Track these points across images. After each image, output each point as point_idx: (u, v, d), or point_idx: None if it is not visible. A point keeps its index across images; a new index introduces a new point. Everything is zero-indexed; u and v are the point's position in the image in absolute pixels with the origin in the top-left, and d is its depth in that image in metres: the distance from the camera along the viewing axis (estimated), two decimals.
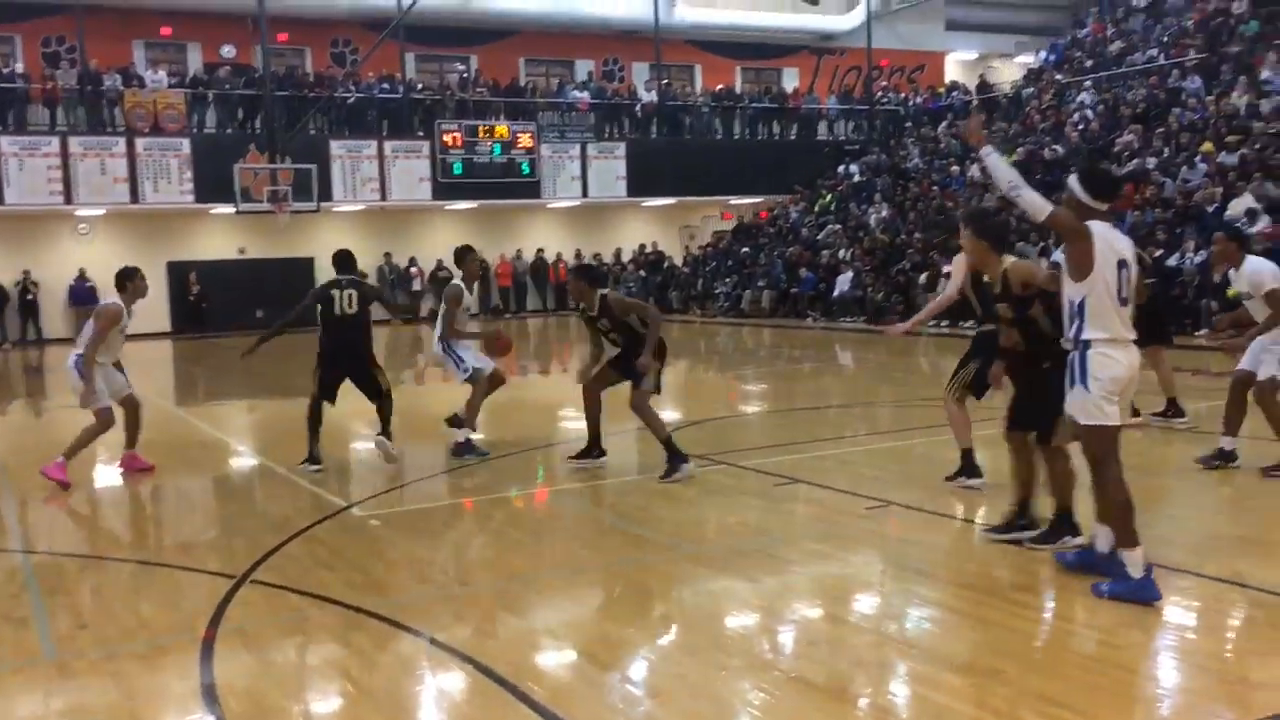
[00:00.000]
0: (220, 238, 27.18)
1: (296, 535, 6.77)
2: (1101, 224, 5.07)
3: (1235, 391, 7.67)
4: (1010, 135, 26.08)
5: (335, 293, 8.99)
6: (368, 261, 28.28)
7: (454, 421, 9.69)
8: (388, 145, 26.62)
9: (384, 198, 26.68)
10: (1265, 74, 21.43)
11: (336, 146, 26.09)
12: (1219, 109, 21.07)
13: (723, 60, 33.69)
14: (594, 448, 8.68)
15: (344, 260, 9.27)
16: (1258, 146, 18.88)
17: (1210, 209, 17.70)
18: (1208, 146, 19.57)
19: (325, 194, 25.34)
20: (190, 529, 7.61)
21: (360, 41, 28.60)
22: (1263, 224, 16.41)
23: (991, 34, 36.80)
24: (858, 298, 22.99)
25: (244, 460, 10.53)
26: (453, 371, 9.62)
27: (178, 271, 26.58)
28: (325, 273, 28.01)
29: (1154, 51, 26.16)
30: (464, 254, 9.63)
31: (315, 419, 8.99)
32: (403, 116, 27.24)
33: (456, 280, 9.52)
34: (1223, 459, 7.67)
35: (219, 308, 26.16)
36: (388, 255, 28.32)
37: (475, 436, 9.55)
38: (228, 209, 24.56)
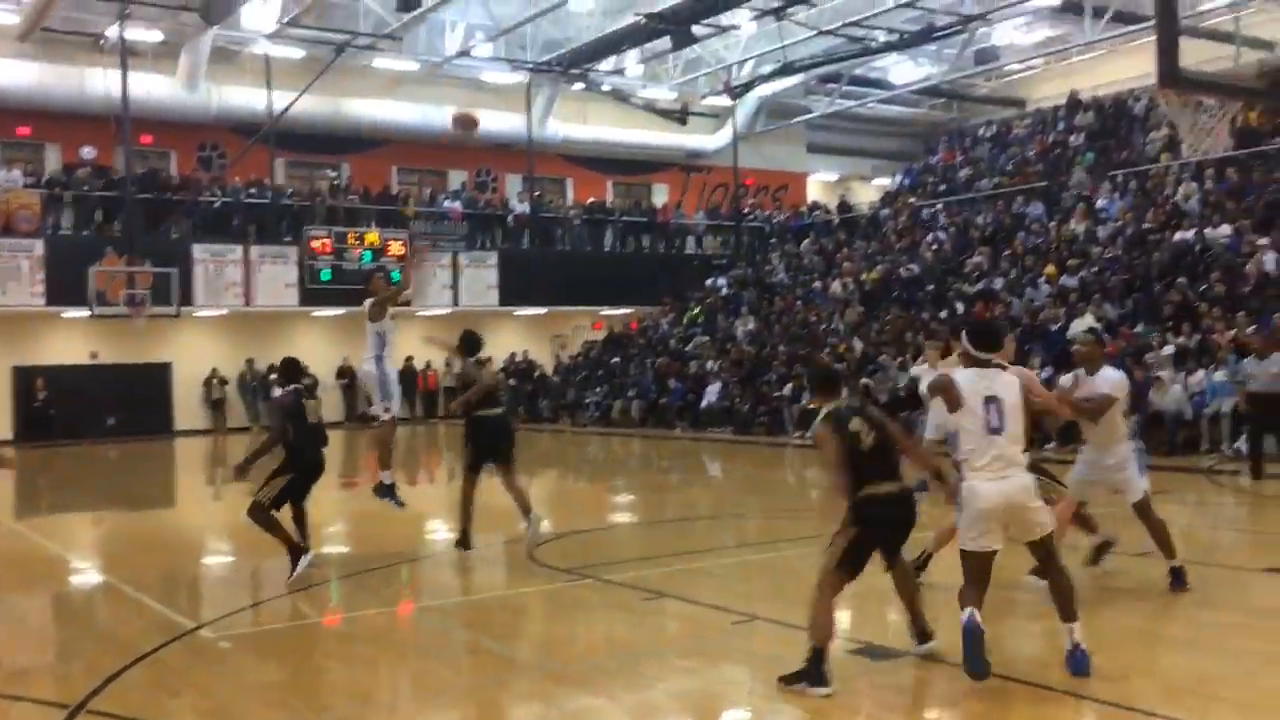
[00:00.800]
0: (72, 342, 26.14)
1: (141, 659, 6.40)
2: (972, 369, 5.58)
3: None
4: (869, 254, 27.15)
5: (308, 402, 8.97)
6: (231, 367, 27.59)
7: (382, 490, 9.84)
8: (254, 250, 26.18)
9: (248, 303, 26.12)
10: (1100, 202, 22.90)
11: (200, 250, 25.53)
12: (1060, 234, 22.38)
13: (594, 174, 34.39)
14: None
15: (296, 368, 9.26)
16: (1095, 269, 20.05)
17: (1054, 328, 18.65)
18: (1050, 269, 20.71)
19: (186, 298, 24.69)
20: (24, 653, 7.13)
21: (229, 146, 28.28)
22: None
23: (850, 157, 38.50)
24: (725, 408, 23.35)
25: (86, 577, 9.96)
26: (375, 395, 9.82)
27: (24, 376, 25.40)
28: (183, 378, 27.30)
29: (1000, 179, 27.75)
30: (369, 275, 10.62)
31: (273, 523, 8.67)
32: (270, 221, 26.91)
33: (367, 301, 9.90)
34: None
35: (68, 415, 25.02)
36: (249, 361, 27.64)
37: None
38: (81, 312, 23.69)
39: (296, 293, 26.40)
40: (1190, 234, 19.28)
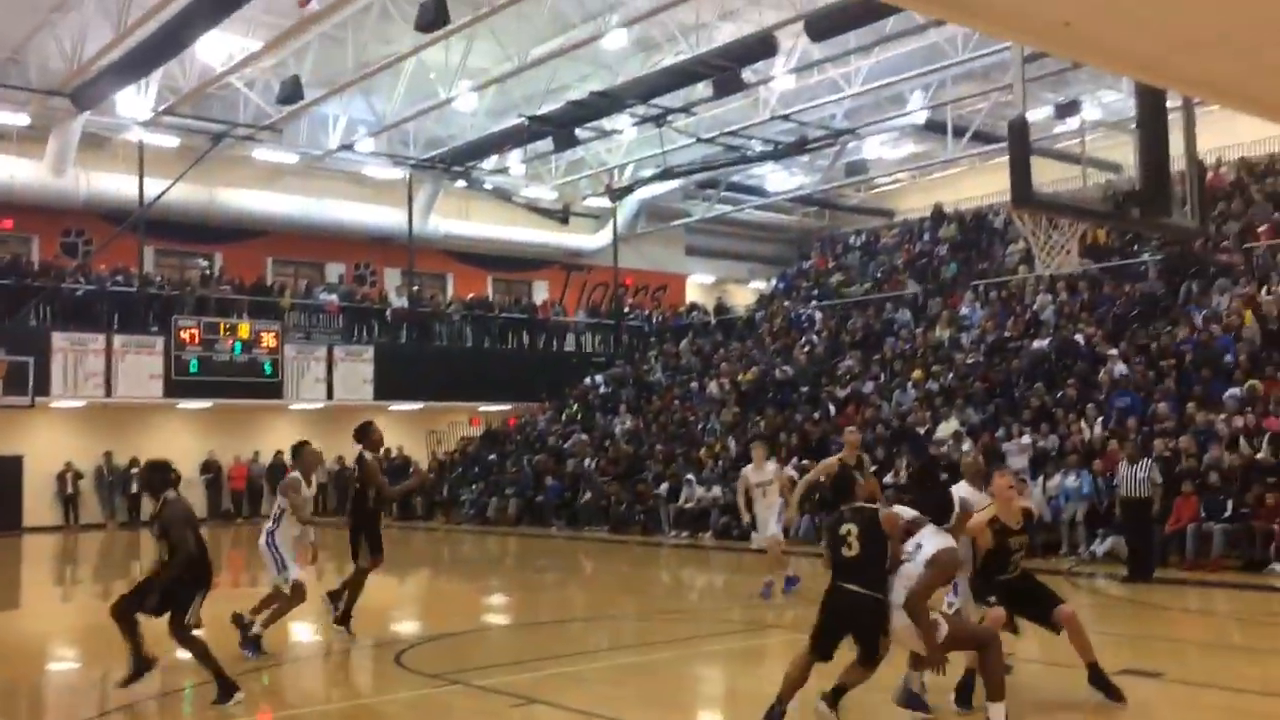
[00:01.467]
0: None
1: None
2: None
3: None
4: (745, 355, 27.68)
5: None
6: (88, 460, 26.41)
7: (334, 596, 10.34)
8: (117, 339, 25.31)
9: (109, 393, 25.16)
10: (964, 310, 23.87)
11: (59, 338, 24.57)
12: (926, 340, 23.21)
13: (475, 270, 34.42)
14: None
15: (170, 469, 8.42)
16: (959, 375, 20.80)
17: (921, 430, 19.22)
18: (918, 374, 21.41)
19: (42, 388, 23.67)
20: None
21: (96, 232, 27.49)
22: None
23: (727, 260, 39.46)
24: (602, 507, 23.26)
25: None
26: (270, 570, 9.66)
27: None
28: (36, 472, 26.00)
29: (869, 285, 28.74)
30: (300, 448, 10.14)
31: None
32: (136, 311, 26.12)
33: (294, 474, 9.87)
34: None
35: None
36: (108, 455, 26.50)
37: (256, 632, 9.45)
38: None
39: (161, 384, 25.54)
40: (1046, 342, 20.20)
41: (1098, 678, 7.27)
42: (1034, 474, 16.32)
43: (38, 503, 25.54)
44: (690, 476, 21.49)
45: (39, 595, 16.41)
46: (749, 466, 12.79)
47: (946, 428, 18.62)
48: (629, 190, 32.17)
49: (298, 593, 9.61)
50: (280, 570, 9.54)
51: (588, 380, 30.64)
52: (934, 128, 27.80)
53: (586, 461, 24.81)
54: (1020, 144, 8.26)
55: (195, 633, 7.89)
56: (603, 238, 34.90)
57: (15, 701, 8.29)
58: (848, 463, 10.52)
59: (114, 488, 26.45)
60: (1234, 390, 16.01)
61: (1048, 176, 10.59)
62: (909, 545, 6.56)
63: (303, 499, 9.74)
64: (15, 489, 25.53)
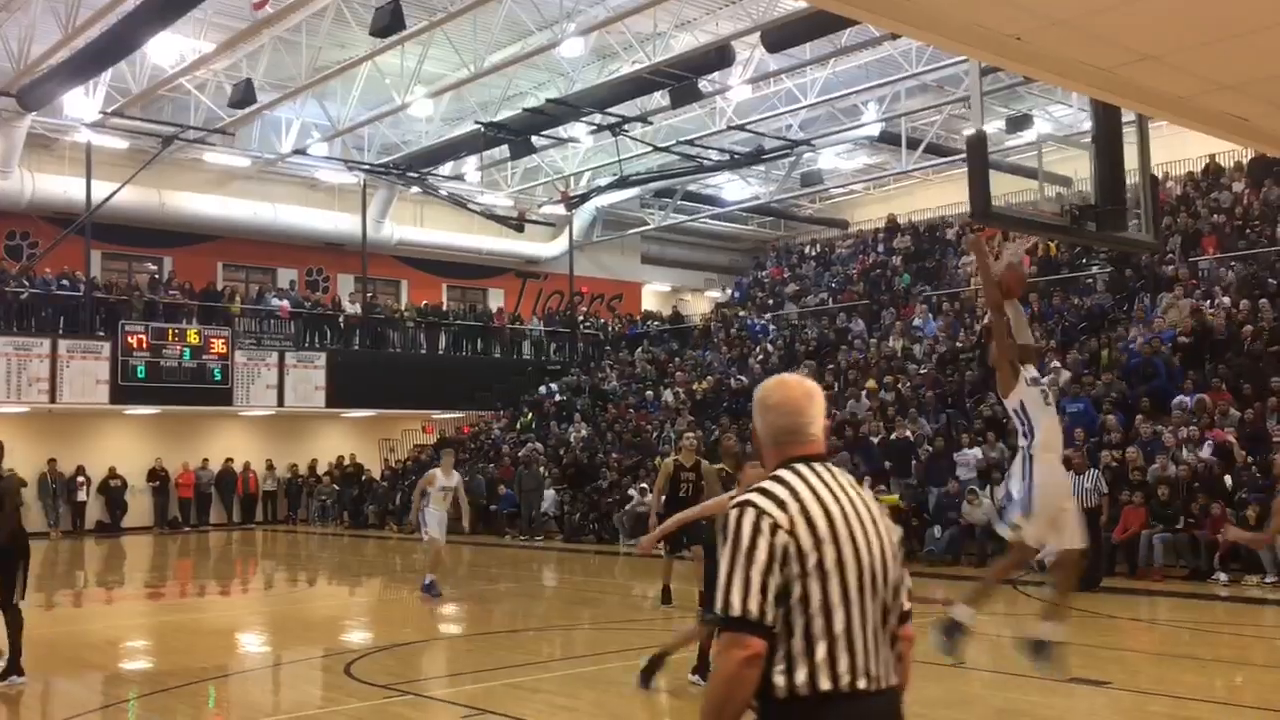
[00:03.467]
0: None
1: None
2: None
3: None
4: (700, 364, 27.74)
5: None
6: (30, 467, 25.86)
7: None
8: (62, 344, 24.84)
9: (53, 399, 24.68)
10: (917, 321, 24.09)
11: (2, 343, 24.05)
12: (879, 350, 23.38)
13: (430, 277, 34.20)
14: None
15: None
16: (911, 385, 20.97)
17: (875, 439, 19.34)
18: (871, 384, 21.56)
19: None
20: None
21: (41, 235, 26.97)
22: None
23: (683, 269, 39.54)
24: (556, 516, 23.14)
25: None
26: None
27: None
28: None
29: (824, 295, 28.93)
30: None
31: None
32: (83, 315, 25.66)
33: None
34: None
35: None
36: (52, 461, 26.00)
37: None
38: None
39: (107, 389, 25.11)
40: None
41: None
42: (982, 484, 16.50)
43: None
44: (637, 488, 21.41)
45: None
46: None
47: (897, 435, 18.79)
48: (585, 198, 32.15)
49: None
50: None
51: (543, 388, 30.54)
52: (888, 140, 28.06)
53: (540, 470, 24.70)
54: (979, 158, 8.34)
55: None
56: (559, 245, 34.85)
57: None
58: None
59: (58, 496, 25.94)
60: (1181, 400, 16.27)
61: (999, 189, 10.72)
62: None
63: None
64: None
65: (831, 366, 23.48)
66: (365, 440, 31.00)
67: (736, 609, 2.55)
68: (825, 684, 2.57)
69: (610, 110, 24.06)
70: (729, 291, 34.86)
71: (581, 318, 34.63)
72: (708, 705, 2.59)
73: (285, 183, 30.39)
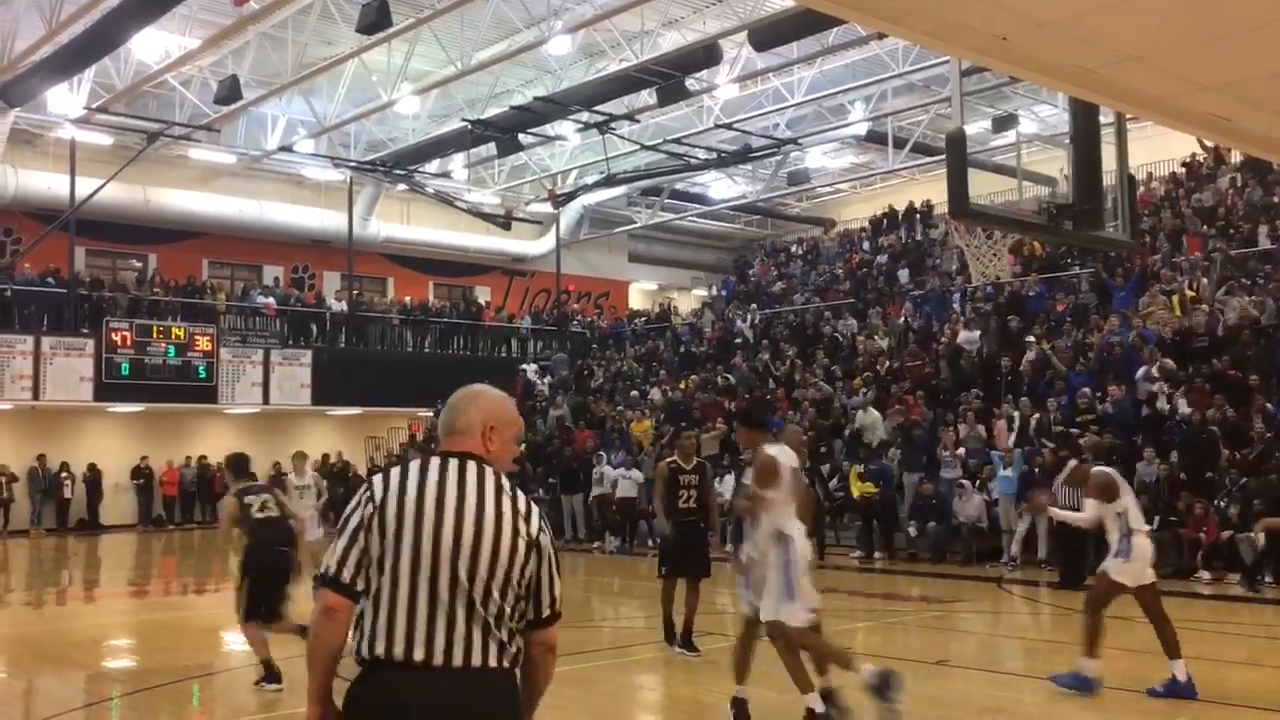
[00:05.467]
0: None
1: None
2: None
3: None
4: (686, 362, 27.75)
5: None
6: (19, 464, 25.75)
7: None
8: (45, 341, 24.71)
9: (36, 396, 24.55)
10: (903, 318, 24.09)
11: None
12: (866, 347, 23.38)
13: (416, 274, 34.14)
14: None
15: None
16: (897, 380, 20.95)
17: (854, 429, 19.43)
18: (857, 381, 21.55)
19: None
20: None
21: (24, 231, 26.82)
22: None
23: (670, 268, 39.58)
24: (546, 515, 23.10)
25: None
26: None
27: None
28: None
29: (810, 293, 28.95)
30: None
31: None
32: (66, 312, 25.53)
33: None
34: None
35: None
36: (40, 458, 25.86)
37: None
38: None
39: (91, 387, 24.99)
40: (977, 339, 20.52)
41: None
42: (971, 480, 16.54)
43: None
44: (604, 465, 21.31)
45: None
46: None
47: (886, 426, 18.94)
48: (572, 196, 32.14)
49: None
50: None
51: (527, 368, 30.29)
52: (875, 139, 28.14)
53: (526, 465, 24.57)
54: (957, 156, 8.40)
55: None
56: (546, 243, 34.82)
57: None
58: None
59: (46, 493, 25.82)
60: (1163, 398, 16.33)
61: (985, 189, 10.75)
62: None
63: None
64: None
65: (818, 364, 23.50)
66: (352, 438, 30.92)
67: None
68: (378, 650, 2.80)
69: (597, 108, 24.05)
70: (715, 290, 34.89)
71: (569, 316, 34.60)
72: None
73: (271, 179, 30.29)
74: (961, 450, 17.23)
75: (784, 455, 6.57)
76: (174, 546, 23.40)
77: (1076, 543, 13.72)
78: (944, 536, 16.56)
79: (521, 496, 2.98)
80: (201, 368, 26.24)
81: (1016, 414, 17.17)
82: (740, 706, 6.89)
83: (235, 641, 10.18)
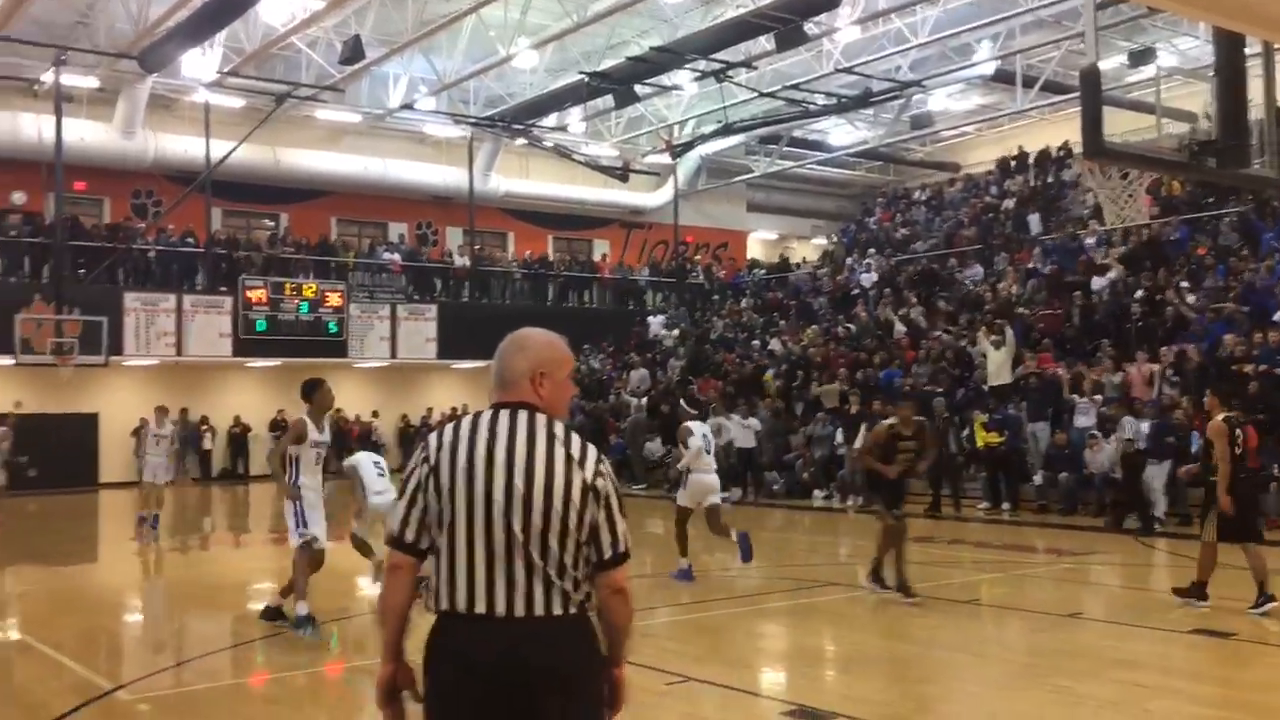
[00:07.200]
0: None
1: None
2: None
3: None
4: (807, 312, 27.45)
5: None
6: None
7: (269, 614, 8.86)
8: (187, 299, 25.76)
9: (180, 353, 25.66)
10: (1033, 264, 23.37)
11: (131, 299, 25.07)
12: (994, 295, 22.75)
13: (535, 228, 34.46)
14: None
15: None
16: (1027, 328, 20.36)
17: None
18: (984, 330, 20.99)
19: (116, 347, 24.18)
20: None
21: (164, 193, 27.91)
22: None
23: (789, 217, 39.07)
24: (655, 463, 23.24)
25: (2, 636, 9.60)
26: (289, 530, 8.66)
27: None
28: (110, 429, 26.52)
29: (935, 240, 28.25)
30: (314, 387, 8.69)
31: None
32: (205, 271, 26.55)
33: (301, 415, 8.68)
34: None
35: None
36: (183, 412, 27.08)
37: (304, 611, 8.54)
38: (5, 360, 23.10)
39: (230, 343, 25.99)
40: (1107, 284, 19.77)
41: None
42: (1104, 432, 16.01)
43: (113, 460, 26.16)
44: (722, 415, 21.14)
45: (115, 549, 16.85)
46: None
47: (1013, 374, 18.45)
48: (689, 146, 31.92)
49: (317, 559, 8.74)
50: (297, 531, 8.58)
51: (650, 336, 30.39)
52: (1003, 78, 27.14)
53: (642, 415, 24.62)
54: (1092, 93, 8.02)
55: None
56: (663, 195, 34.72)
57: (94, 649, 8.54)
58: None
59: (187, 445, 27.01)
60: None
61: (1121, 127, 10.28)
62: None
63: (308, 442, 8.60)
64: (91, 446, 26.24)
65: (945, 311, 22.98)
66: (476, 391, 31.51)
67: None
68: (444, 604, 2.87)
69: (714, 56, 23.74)
70: (836, 238, 34.34)
71: (687, 267, 34.51)
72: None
73: (394, 137, 30.83)
74: (1098, 397, 16.70)
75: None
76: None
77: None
78: (1076, 488, 16.11)
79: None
80: (332, 323, 27.03)
81: (1155, 365, 16.53)
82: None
83: (369, 586, 10.55)
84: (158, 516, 16.35)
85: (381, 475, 10.53)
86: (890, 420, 10.04)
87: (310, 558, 8.58)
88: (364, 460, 10.74)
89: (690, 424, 11.39)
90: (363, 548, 10.48)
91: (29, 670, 7.94)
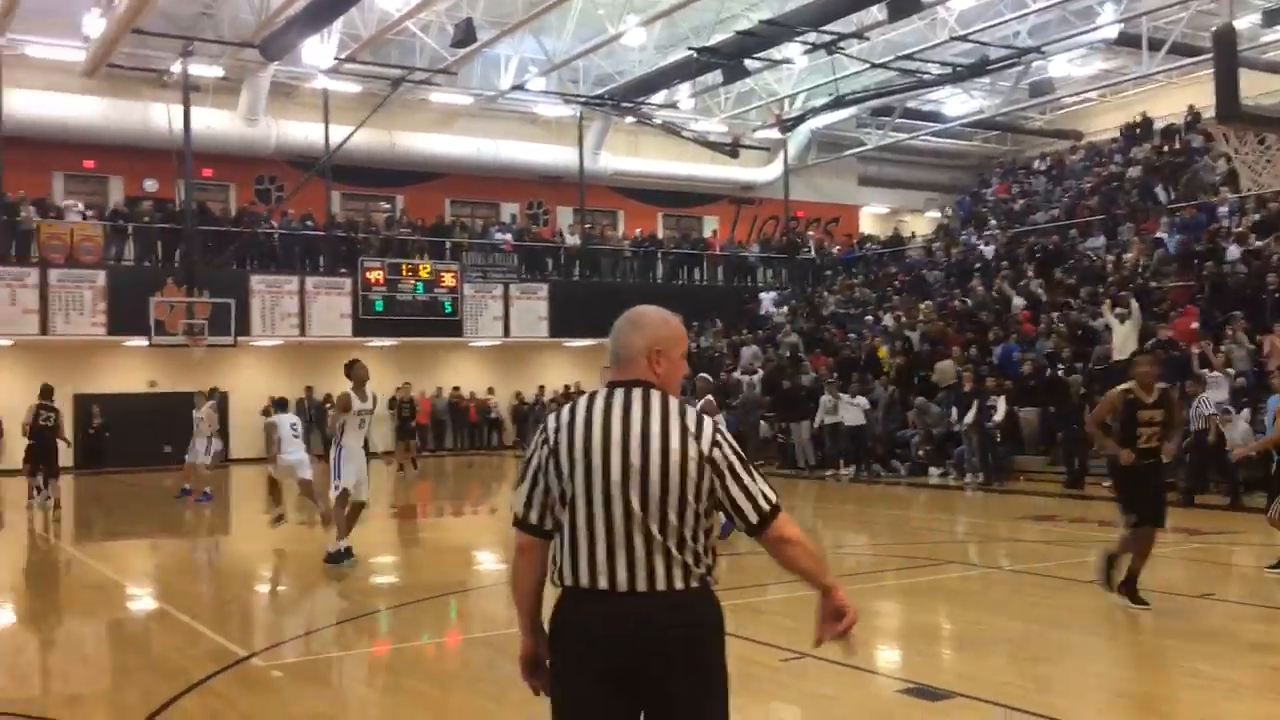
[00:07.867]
0: (130, 371, 26.62)
1: (193, 688, 6.46)
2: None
3: None
4: (921, 286, 26.94)
5: None
6: (288, 395, 27.84)
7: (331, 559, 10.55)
8: (309, 281, 26.55)
9: (303, 333, 26.47)
10: (1160, 234, 22.50)
11: (256, 281, 25.95)
12: (1118, 268, 22.00)
13: (645, 206, 34.52)
14: None
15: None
16: (1153, 302, 19.65)
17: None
18: (1108, 304, 20.31)
19: (243, 328, 25.08)
20: (79, 678, 7.23)
21: (286, 178, 28.77)
22: None
23: (902, 190, 38.34)
24: (768, 440, 23.15)
25: (141, 604, 10.08)
26: (330, 479, 10.61)
27: (84, 404, 25.89)
28: (240, 407, 27.54)
29: (1055, 211, 27.41)
30: (351, 366, 10.94)
31: None
32: (326, 253, 27.31)
33: (346, 389, 10.70)
34: None
35: (125, 442, 25.41)
36: (309, 389, 27.95)
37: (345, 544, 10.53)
38: (140, 342, 24.14)
39: (350, 323, 26.71)
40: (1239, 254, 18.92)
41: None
42: (1237, 405, 15.38)
43: (242, 436, 27.12)
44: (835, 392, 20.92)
45: (246, 522, 17.52)
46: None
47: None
48: (800, 121, 31.56)
49: (355, 509, 10.58)
50: (334, 484, 10.47)
51: (763, 312, 30.20)
52: (1127, 41, 26.11)
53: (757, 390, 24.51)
54: (1226, 54, 7.70)
55: None
56: (773, 170, 34.42)
57: (228, 617, 8.90)
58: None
59: (312, 420, 27.83)
60: None
61: (1256, 89, 9.83)
62: None
63: (353, 412, 10.58)
64: (221, 423, 27.18)
65: (1065, 286, 22.30)
66: (588, 369, 31.75)
67: None
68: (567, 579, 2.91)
69: (824, 28, 23.40)
70: (951, 211, 33.58)
71: (799, 242, 34.18)
72: None
73: (505, 119, 31.19)
74: (1231, 370, 16.04)
75: None
76: (428, 472, 24.84)
77: None
78: (1201, 467, 15.48)
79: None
80: (447, 303, 27.54)
81: None
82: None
83: (488, 560, 10.77)
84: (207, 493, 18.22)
85: (296, 437, 12.94)
86: (1126, 384, 8.05)
87: (349, 504, 10.45)
88: (283, 421, 13.10)
89: None
90: (274, 492, 13.20)
91: (168, 637, 8.31)
